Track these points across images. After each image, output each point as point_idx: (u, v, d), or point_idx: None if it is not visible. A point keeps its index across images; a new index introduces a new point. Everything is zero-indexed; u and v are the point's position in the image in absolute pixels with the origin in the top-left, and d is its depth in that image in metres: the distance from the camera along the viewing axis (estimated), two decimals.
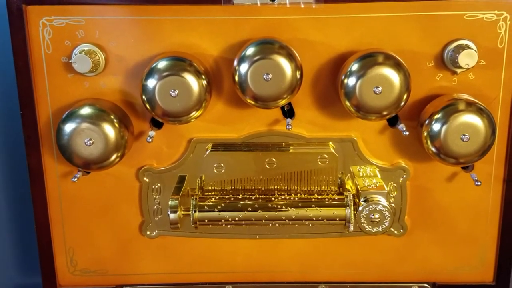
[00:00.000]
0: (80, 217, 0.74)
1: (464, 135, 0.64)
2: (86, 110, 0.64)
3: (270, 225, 0.69)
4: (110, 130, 0.64)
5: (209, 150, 0.71)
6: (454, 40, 0.67)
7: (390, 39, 0.67)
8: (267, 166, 0.71)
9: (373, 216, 0.65)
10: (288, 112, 0.70)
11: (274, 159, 0.71)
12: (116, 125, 0.65)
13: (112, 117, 0.65)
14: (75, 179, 0.68)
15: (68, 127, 0.64)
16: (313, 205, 0.68)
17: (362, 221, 0.66)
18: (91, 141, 0.63)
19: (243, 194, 0.71)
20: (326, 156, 0.70)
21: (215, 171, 0.71)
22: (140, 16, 0.67)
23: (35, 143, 0.70)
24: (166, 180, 0.72)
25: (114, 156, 0.65)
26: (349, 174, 0.72)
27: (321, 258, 0.76)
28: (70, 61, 0.66)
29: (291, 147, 0.71)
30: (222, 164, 0.71)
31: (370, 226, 0.66)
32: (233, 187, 0.72)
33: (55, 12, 0.66)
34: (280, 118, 0.71)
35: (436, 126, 0.65)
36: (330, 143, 0.71)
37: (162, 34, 0.67)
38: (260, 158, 0.71)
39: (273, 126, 0.72)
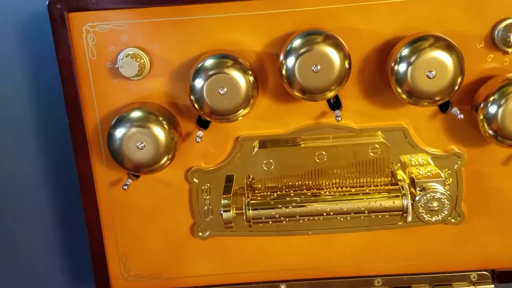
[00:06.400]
0: (131, 222, 0.74)
1: None
2: (135, 114, 0.64)
3: (323, 220, 0.68)
4: (160, 133, 0.64)
5: (257, 147, 0.70)
6: (503, 19, 0.65)
7: (437, 22, 0.66)
8: (317, 160, 0.70)
9: (431, 205, 0.64)
10: (335, 103, 0.69)
11: (323, 153, 0.70)
12: (166, 127, 0.64)
13: (161, 119, 0.65)
14: (126, 187, 0.68)
15: (119, 132, 0.64)
16: (368, 197, 0.67)
17: (421, 210, 0.64)
18: (142, 144, 0.63)
19: (294, 190, 0.70)
20: (377, 146, 0.69)
21: (265, 168, 0.70)
22: (182, 17, 0.66)
23: (84, 150, 0.70)
24: (215, 180, 0.72)
25: (165, 159, 0.65)
26: (399, 164, 0.71)
27: (376, 251, 0.75)
28: (116, 66, 0.66)
29: (340, 140, 0.70)
30: (271, 161, 0.70)
31: (428, 215, 0.64)
32: (283, 183, 0.71)
33: (97, 18, 0.66)
34: (327, 111, 0.70)
35: (492, 108, 0.63)
36: (379, 132, 0.70)
37: (205, 33, 0.67)
38: (309, 153, 0.70)
39: (320, 119, 0.70)
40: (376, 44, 0.67)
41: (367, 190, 0.68)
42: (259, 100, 0.68)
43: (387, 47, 0.66)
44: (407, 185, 0.67)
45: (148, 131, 0.63)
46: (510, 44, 0.64)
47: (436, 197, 0.64)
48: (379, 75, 0.68)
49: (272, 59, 0.67)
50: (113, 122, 0.65)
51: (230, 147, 0.71)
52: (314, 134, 0.70)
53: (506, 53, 0.66)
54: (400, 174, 0.70)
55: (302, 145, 0.70)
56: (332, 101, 0.69)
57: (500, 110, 0.62)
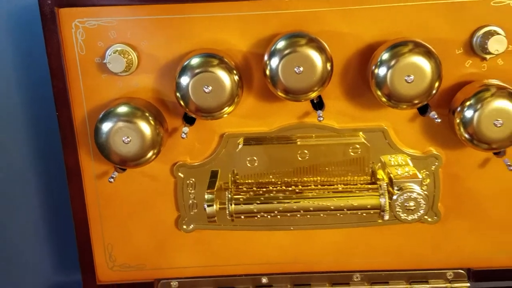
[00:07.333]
0: (118, 213, 0.75)
1: (497, 120, 0.64)
2: (122, 109, 0.66)
3: (304, 216, 0.70)
4: (146, 128, 0.66)
5: (242, 144, 0.72)
6: (482, 26, 0.67)
7: (418, 27, 0.67)
8: (299, 158, 0.72)
9: (408, 204, 0.66)
10: (318, 104, 0.71)
11: (306, 151, 0.72)
12: (152, 122, 0.66)
13: (147, 114, 0.66)
14: (112, 180, 0.70)
15: (106, 126, 0.65)
16: (347, 196, 0.69)
17: (397, 209, 0.66)
18: (128, 139, 0.65)
19: (276, 186, 0.72)
20: (358, 146, 0.71)
21: (248, 164, 0.72)
22: (170, 15, 0.68)
23: (71, 143, 0.71)
24: (200, 175, 0.74)
25: (150, 153, 0.67)
26: (379, 164, 0.73)
27: (355, 247, 0.77)
28: (104, 61, 0.67)
29: (322, 139, 0.72)
30: (255, 158, 0.72)
31: (405, 214, 0.66)
32: (266, 180, 0.72)
33: (87, 14, 0.67)
34: (310, 110, 0.72)
35: (468, 113, 0.65)
36: (361, 133, 0.72)
37: (192, 32, 0.68)
38: (292, 151, 0.72)
39: (303, 118, 0.72)
40: (358, 48, 0.68)
41: (347, 189, 0.70)
42: (244, 99, 0.70)
43: (369, 50, 0.68)
44: (385, 184, 0.69)
45: (134, 126, 0.65)
46: (488, 50, 0.65)
47: (412, 196, 0.66)
48: (361, 78, 0.70)
49: (258, 59, 0.69)
50: (100, 116, 0.66)
51: (215, 143, 0.73)
52: (297, 133, 0.72)
53: (484, 59, 0.68)
54: (380, 174, 0.72)
55: (285, 144, 0.72)
56: (315, 101, 0.71)
57: (476, 114, 0.64)
